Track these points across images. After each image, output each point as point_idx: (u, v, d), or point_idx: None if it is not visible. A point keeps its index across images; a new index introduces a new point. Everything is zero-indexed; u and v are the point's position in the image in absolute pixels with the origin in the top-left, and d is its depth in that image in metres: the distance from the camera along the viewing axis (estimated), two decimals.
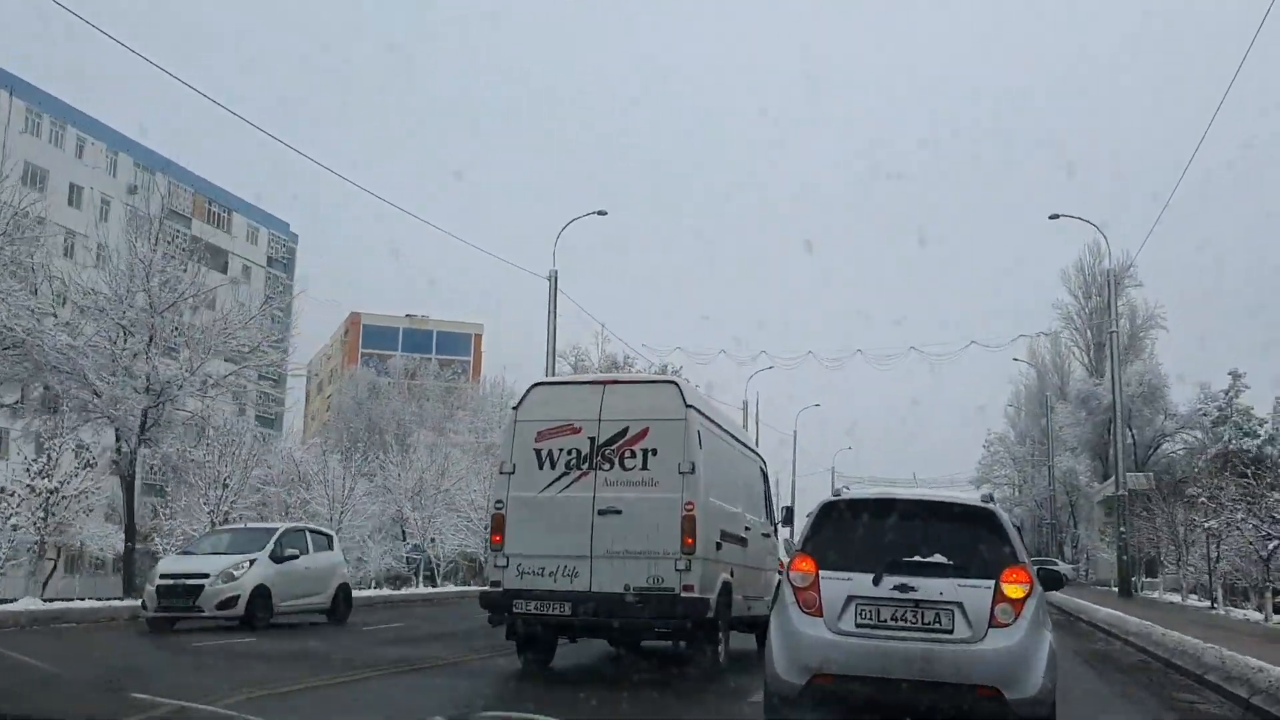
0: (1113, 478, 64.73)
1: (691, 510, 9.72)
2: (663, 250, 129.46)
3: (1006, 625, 6.15)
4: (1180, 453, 60.62)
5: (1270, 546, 23.61)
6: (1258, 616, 25.54)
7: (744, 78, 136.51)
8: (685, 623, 9.79)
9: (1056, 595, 30.93)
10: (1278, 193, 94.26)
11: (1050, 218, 40.14)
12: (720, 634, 10.53)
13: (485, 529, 18.04)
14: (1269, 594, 24.26)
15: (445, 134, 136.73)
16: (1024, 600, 6.25)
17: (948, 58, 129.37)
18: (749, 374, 55.39)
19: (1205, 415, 57.08)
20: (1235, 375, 55.52)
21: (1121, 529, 37.37)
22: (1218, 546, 29.50)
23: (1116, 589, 39.11)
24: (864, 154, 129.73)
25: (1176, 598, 36.99)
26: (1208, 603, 32.95)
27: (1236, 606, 30.71)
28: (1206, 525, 27.60)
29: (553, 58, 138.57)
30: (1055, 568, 9.85)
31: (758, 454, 14.37)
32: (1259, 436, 53.63)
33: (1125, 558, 37.41)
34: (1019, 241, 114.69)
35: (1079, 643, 16.55)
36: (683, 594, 9.63)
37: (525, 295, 63.83)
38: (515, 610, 10.00)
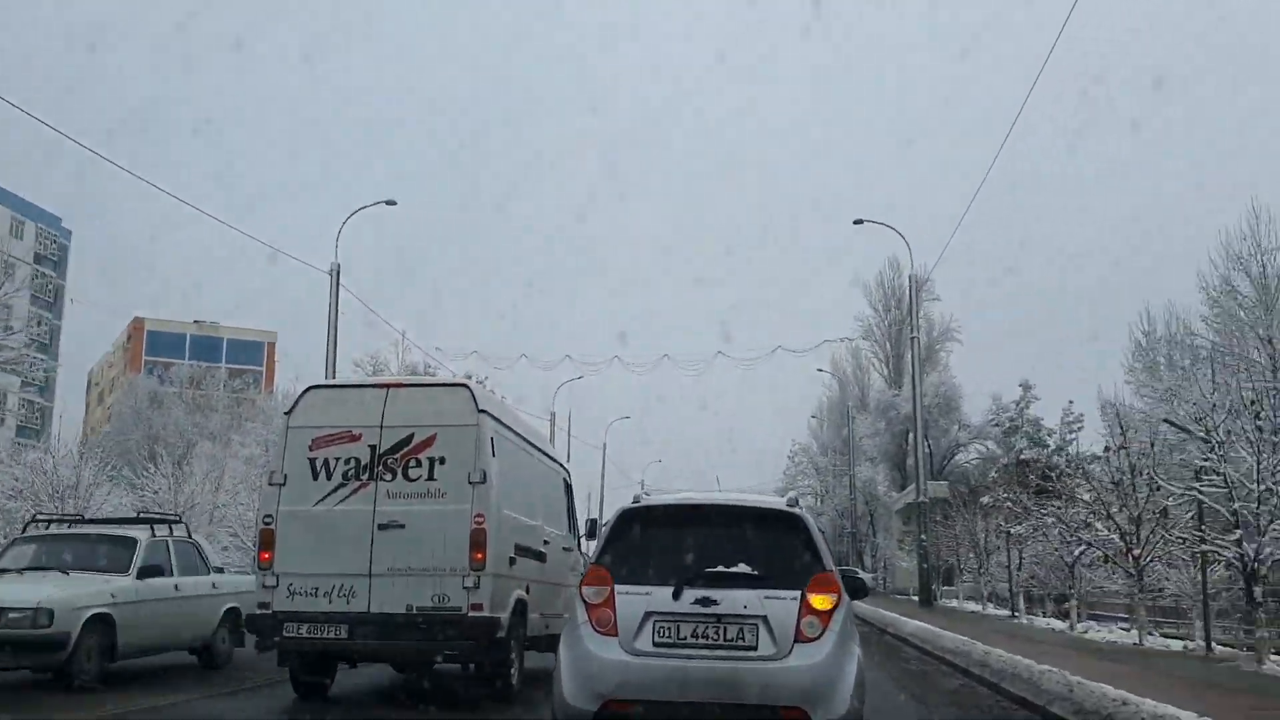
0: (910, 486, 65.68)
1: (482, 523, 9.19)
2: (470, 258, 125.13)
3: (814, 639, 5.79)
4: (974, 462, 61.69)
5: (1076, 553, 22.61)
6: (1060, 625, 24.65)
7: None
8: (474, 644, 9.15)
9: (861, 607, 29.57)
10: (1065, 212, 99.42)
11: (855, 223, 39.49)
12: (514, 655, 9.87)
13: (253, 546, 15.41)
14: (1074, 602, 23.30)
15: (225, 134, 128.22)
16: (832, 612, 5.88)
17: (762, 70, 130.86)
18: (556, 382, 52.81)
19: (998, 425, 58.15)
20: (1026, 387, 56.78)
21: (922, 536, 36.61)
22: (1020, 553, 28.72)
23: (917, 598, 38.47)
24: None
25: (976, 606, 36.47)
26: (1008, 611, 32.39)
27: (1030, 613, 30.09)
28: (1013, 530, 26.65)
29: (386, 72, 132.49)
30: (859, 576, 8.85)
31: (560, 464, 13.85)
32: (1048, 446, 54.87)
33: (926, 566, 36.63)
34: (827, 249, 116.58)
35: (892, 662, 14.63)
36: (470, 613, 9.03)
37: (325, 302, 59.48)
38: (286, 635, 9.20)
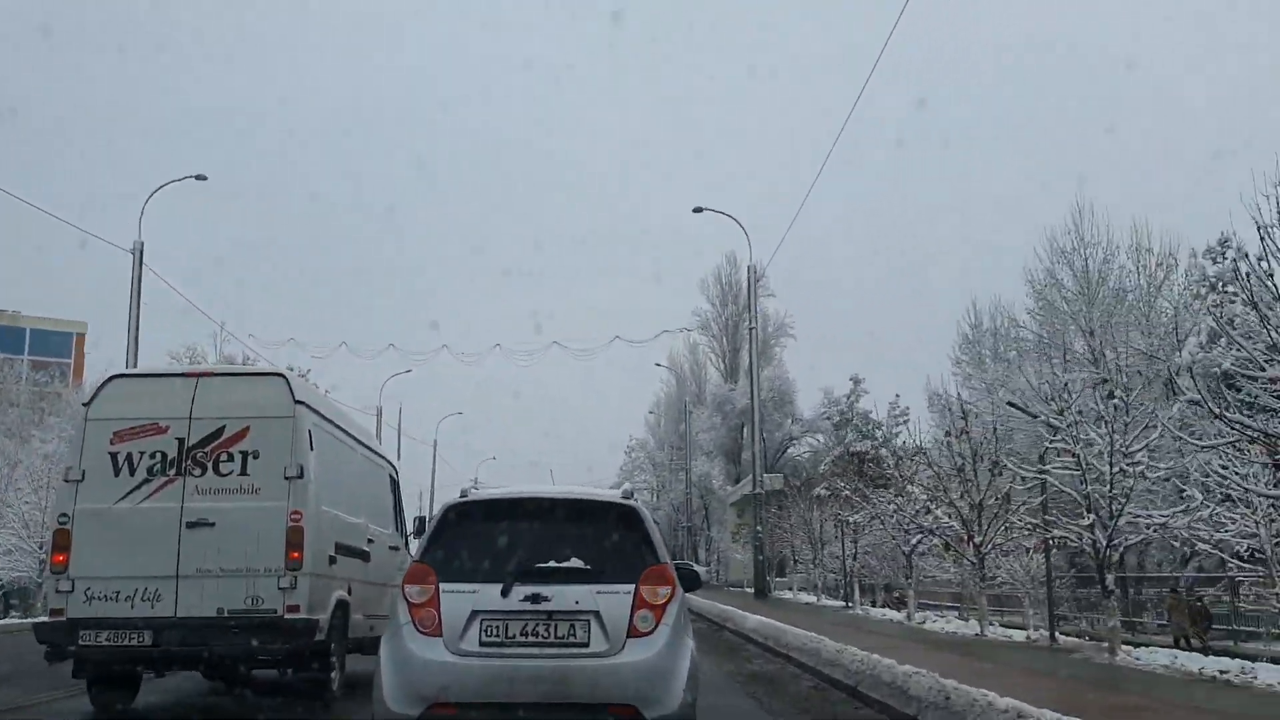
0: (745, 480, 65.70)
1: (299, 520, 8.74)
2: (291, 249, 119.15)
3: (647, 634, 5.61)
4: (807, 455, 62.01)
5: (913, 541, 21.98)
6: (896, 615, 24.06)
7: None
8: (291, 648, 8.65)
9: (698, 600, 28.53)
10: (896, 209, 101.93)
11: (694, 211, 38.52)
12: (334, 659, 9.46)
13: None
14: (911, 592, 22.68)
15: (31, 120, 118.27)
16: (666, 605, 5.72)
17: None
18: (382, 376, 50.12)
19: (829, 418, 58.50)
20: (856, 381, 57.23)
21: (758, 528, 35.91)
22: (855, 543, 28.16)
23: (752, 590, 37.82)
24: None
25: (810, 597, 36.03)
26: (841, 601, 31.95)
27: (864, 604, 29.64)
28: (852, 519, 25.97)
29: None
30: (694, 568, 8.58)
31: (387, 459, 13.39)
32: (876, 439, 55.49)
33: (761, 558, 35.94)
34: (668, 241, 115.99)
35: (733, 661, 13.31)
36: (287, 615, 8.55)
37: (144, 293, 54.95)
38: (83, 643, 8.48)
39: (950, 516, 18.73)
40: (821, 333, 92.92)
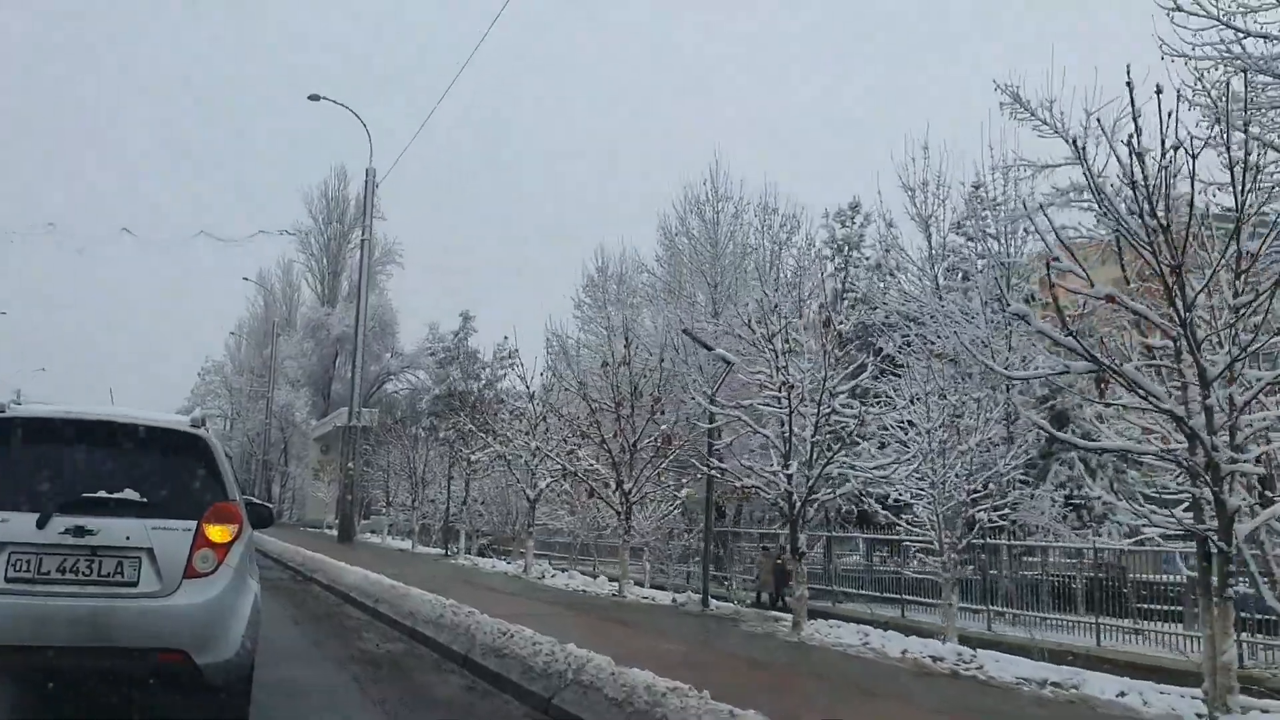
0: (334, 413, 60.19)
1: None
2: None
3: (206, 575, 4.95)
4: (404, 392, 57.89)
5: (541, 486, 19.10)
6: (508, 567, 21.19)
7: None
8: None
9: (276, 544, 23.89)
10: (529, 142, 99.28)
11: (311, 98, 33.16)
12: None
13: None
14: (531, 543, 19.76)
15: None
16: (230, 545, 5.09)
17: None
18: None
19: (433, 355, 54.76)
20: (466, 317, 54.04)
21: (349, 465, 31.61)
22: (466, 486, 24.93)
23: (335, 532, 33.51)
24: None
25: (403, 543, 32.38)
26: (440, 549, 28.68)
27: (464, 552, 26.63)
28: (473, 457, 22.59)
29: None
30: (266, 505, 6.00)
31: None
32: (481, 379, 52.70)
33: (350, 498, 31.68)
34: (278, 133, 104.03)
35: (341, 640, 9.40)
36: None
37: None
38: None
39: (598, 459, 15.97)
40: (434, 264, 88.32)
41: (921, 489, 13.13)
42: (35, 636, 4.68)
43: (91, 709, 4.87)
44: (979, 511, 13.01)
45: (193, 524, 5.01)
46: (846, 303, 28.06)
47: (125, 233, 39.64)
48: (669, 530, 21.21)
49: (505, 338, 51.71)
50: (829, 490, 11.10)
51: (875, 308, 26.56)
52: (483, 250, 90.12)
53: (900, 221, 26.73)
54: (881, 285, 27.58)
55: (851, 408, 12.30)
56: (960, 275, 24.99)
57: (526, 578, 18.47)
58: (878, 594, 19.56)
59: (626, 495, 15.36)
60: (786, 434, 10.95)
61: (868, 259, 29.21)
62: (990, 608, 16.77)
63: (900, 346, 24.42)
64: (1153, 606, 14.81)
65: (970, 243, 25.19)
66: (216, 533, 5.06)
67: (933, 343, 21.28)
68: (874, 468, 11.18)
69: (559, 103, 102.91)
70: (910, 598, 18.13)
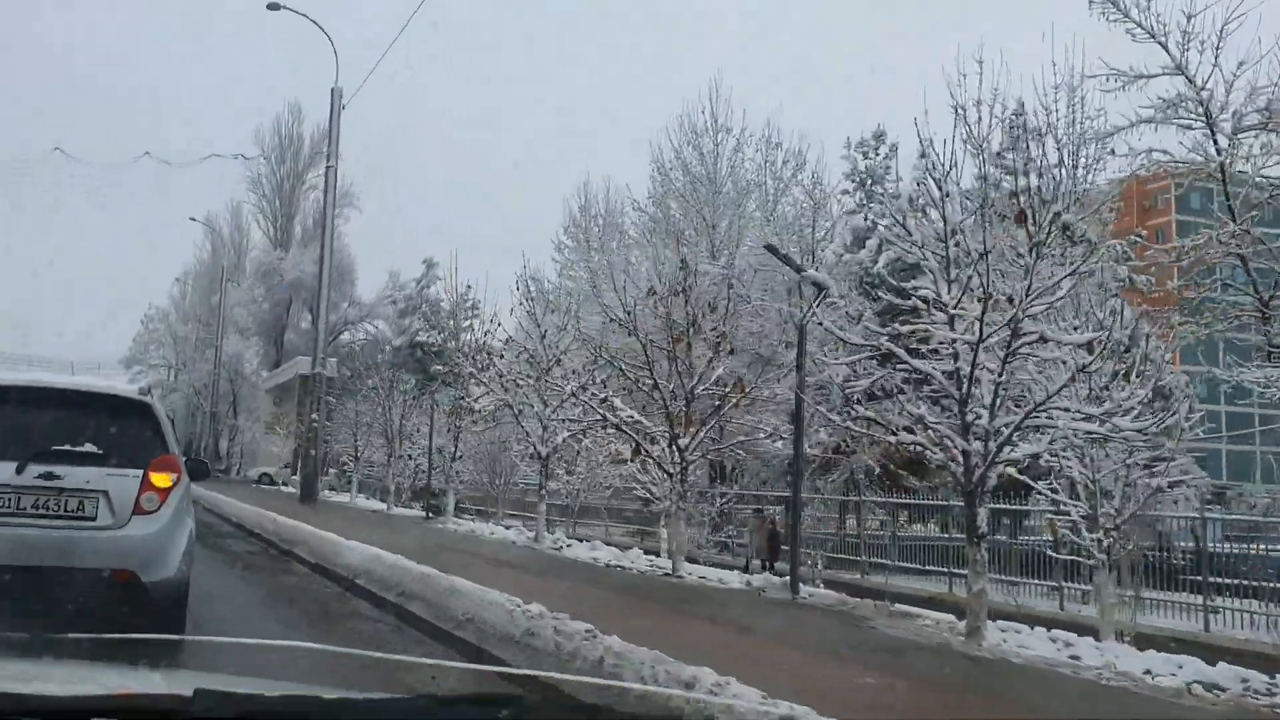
0: (288, 364, 56.19)
1: None
2: None
3: (151, 513, 5.96)
4: (361, 342, 53.95)
5: (561, 438, 15.97)
6: (511, 536, 18.09)
7: None
8: None
9: (233, 507, 20.54)
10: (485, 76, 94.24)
11: (270, 7, 29.17)
12: None
13: None
14: (543, 506, 16.59)
15: None
16: (170, 490, 6.07)
17: None
18: None
19: (394, 304, 50.99)
20: (429, 264, 50.18)
21: (314, 416, 28.12)
22: (456, 442, 21.70)
23: (296, 491, 30.12)
24: None
25: (378, 504, 29.05)
26: (417, 510, 25.48)
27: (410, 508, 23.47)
28: (477, 405, 19.30)
29: None
30: (202, 460, 7.64)
31: None
32: (444, 330, 49.07)
33: (314, 453, 28.20)
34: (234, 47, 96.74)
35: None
36: None
37: None
38: None
39: (645, 408, 12.85)
40: (395, 208, 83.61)
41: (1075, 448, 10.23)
42: (13, 557, 5.63)
43: (59, 617, 5.20)
44: (1152, 477, 10.15)
45: (140, 472, 5.99)
46: (872, 243, 25.13)
47: (59, 151, 34.78)
48: (699, 492, 18.23)
49: (469, 286, 48.01)
50: (1017, 448, 8.07)
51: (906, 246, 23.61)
52: (448, 193, 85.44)
53: (945, 149, 23.42)
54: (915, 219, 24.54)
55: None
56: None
57: (540, 548, 15.40)
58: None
59: (682, 452, 12.29)
60: (964, 372, 7.92)
61: (892, 193, 26.20)
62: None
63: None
64: None
65: (1010, 176, 22.32)
66: (159, 479, 6.04)
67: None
68: (1084, 417, 8.15)
69: (544, 22, 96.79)
70: (1031, 580, 15.02)
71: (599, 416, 13.17)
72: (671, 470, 12.53)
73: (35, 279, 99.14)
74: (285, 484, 41.00)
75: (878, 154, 26.42)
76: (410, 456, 27.83)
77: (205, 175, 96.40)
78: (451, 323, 49.68)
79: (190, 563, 6.15)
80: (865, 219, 25.82)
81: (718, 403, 12.55)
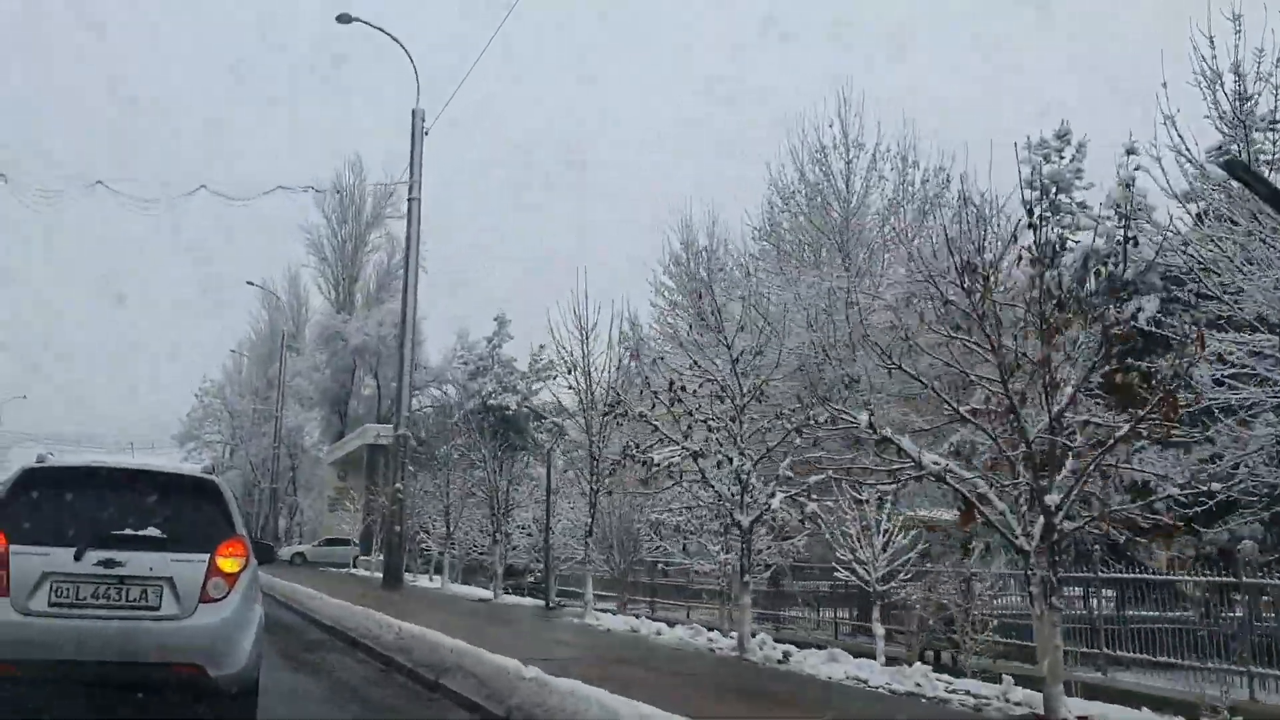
0: (351, 434, 51.96)
1: None
2: None
3: (219, 600, 5.62)
4: (430, 410, 49.65)
5: (760, 502, 11.16)
6: (679, 633, 13.17)
7: None
8: None
9: (306, 595, 15.93)
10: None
11: (340, 20, 25.41)
12: None
13: None
14: (747, 598, 11.66)
15: None
16: (239, 574, 5.77)
17: None
18: None
19: (466, 364, 46.61)
20: (501, 322, 45.90)
21: (398, 486, 23.52)
22: (592, 514, 16.90)
23: (366, 571, 25.43)
24: None
25: (465, 588, 24.22)
26: (537, 600, 20.61)
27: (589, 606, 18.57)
28: (656, 459, 14.51)
29: None
30: (268, 543, 7.47)
31: None
32: (519, 392, 44.65)
33: (399, 529, 23.59)
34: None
35: None
36: None
37: None
38: None
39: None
40: (460, 268, 79.49)
41: None
42: (75, 652, 5.30)
43: (122, 714, 5.10)
44: None
45: (206, 556, 5.65)
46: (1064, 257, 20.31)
47: (101, 184, 30.95)
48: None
49: (541, 347, 43.26)
50: None
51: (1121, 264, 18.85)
52: (513, 249, 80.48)
53: (1190, 129, 17.84)
54: (1123, 233, 19.67)
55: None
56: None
57: (755, 661, 10.55)
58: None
59: (1049, 513, 7.44)
60: None
61: (1084, 204, 21.36)
62: None
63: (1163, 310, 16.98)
64: None
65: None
66: (227, 564, 5.72)
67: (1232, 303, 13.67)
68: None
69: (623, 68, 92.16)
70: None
71: (896, 467, 8.35)
72: (1028, 543, 7.68)
73: (89, 356, 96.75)
74: (354, 565, 36.35)
75: (1061, 157, 21.68)
76: (510, 533, 23.06)
77: (263, 243, 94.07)
78: (523, 384, 45.52)
79: (260, 654, 5.84)
80: (1054, 231, 21.07)
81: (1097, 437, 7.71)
